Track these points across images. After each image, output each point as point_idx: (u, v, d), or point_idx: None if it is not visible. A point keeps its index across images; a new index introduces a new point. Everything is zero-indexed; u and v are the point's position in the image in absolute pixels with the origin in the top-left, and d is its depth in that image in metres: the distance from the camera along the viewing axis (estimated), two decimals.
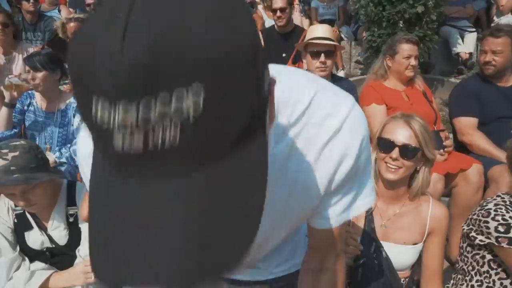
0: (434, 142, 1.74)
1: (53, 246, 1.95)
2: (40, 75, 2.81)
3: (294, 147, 0.72)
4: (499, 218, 1.60)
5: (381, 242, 1.71)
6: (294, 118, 0.71)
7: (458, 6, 5.20)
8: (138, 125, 0.36)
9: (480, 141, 2.64)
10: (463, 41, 4.96)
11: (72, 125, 2.99)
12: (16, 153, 1.79)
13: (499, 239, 1.60)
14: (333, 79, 2.86)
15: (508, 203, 1.65)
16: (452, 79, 4.64)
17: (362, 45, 4.59)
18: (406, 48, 2.75)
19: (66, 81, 3.55)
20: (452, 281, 1.90)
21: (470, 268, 1.78)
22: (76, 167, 2.92)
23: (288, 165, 0.73)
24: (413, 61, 2.74)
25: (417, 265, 1.90)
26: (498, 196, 1.69)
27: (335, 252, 0.91)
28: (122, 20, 0.36)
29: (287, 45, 3.86)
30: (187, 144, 0.38)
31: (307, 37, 2.73)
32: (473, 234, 1.71)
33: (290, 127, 0.71)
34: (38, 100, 2.98)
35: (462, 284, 1.81)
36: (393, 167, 1.68)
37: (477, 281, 1.74)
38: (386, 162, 1.70)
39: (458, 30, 5.03)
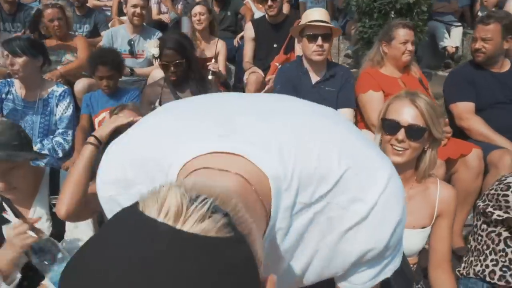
0: (441, 121, 1.65)
1: None
2: (20, 60, 2.66)
3: (316, 222, 0.70)
4: None
5: None
6: (316, 197, 0.68)
7: (443, 2, 5.26)
8: None
9: (478, 125, 2.61)
10: (449, 35, 5.00)
11: (55, 115, 2.83)
12: None
13: None
14: (329, 65, 2.80)
15: None
16: (440, 72, 4.66)
17: (351, 38, 4.55)
18: (402, 33, 2.71)
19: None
20: (463, 264, 1.83)
21: (485, 247, 1.72)
22: (59, 159, 2.75)
23: (310, 237, 0.71)
24: (410, 46, 2.70)
25: (424, 251, 1.84)
26: None
27: None
28: None
29: (278, 35, 3.79)
30: None
31: (303, 21, 2.65)
32: (490, 209, 1.66)
33: (312, 204, 0.68)
34: (18, 88, 2.82)
35: (476, 265, 1.74)
36: (399, 149, 1.59)
37: (492, 260, 1.69)
38: (392, 145, 1.61)
39: (444, 24, 5.09)
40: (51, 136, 2.79)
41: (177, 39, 2.74)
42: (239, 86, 4.11)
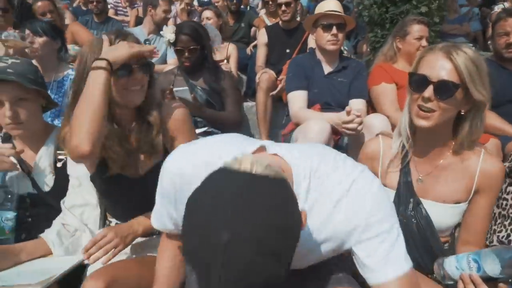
0: (486, 80, 1.38)
1: (36, 192, 1.78)
2: (40, 40, 2.74)
3: (319, 202, 1.09)
4: None
5: (420, 199, 1.50)
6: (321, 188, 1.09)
7: (455, 24, 5.37)
8: None
9: (493, 119, 2.56)
10: None
11: (68, 97, 2.85)
12: (18, 61, 1.72)
13: None
14: (341, 58, 2.81)
15: None
16: None
17: (363, 56, 4.60)
18: (417, 29, 2.73)
19: (77, 48, 3.46)
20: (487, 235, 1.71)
21: (510, 211, 1.62)
22: None
23: (316, 211, 1.09)
24: (424, 42, 2.72)
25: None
26: None
27: None
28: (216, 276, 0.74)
29: (291, 41, 3.85)
30: None
31: (317, 11, 2.69)
32: None
33: (317, 190, 1.09)
34: None
35: (500, 231, 1.65)
36: (426, 109, 1.38)
37: None
38: (419, 105, 1.40)
39: None
40: (63, 118, 2.79)
41: (193, 26, 2.79)
42: (249, 93, 4.14)
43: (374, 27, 3.95)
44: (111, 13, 5.40)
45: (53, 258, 1.62)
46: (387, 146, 1.55)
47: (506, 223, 1.64)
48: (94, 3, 4.69)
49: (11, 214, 1.68)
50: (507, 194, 1.65)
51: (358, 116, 2.11)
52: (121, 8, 5.97)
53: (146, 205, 1.60)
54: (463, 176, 1.47)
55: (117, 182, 1.60)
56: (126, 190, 1.63)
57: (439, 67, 1.35)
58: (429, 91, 1.35)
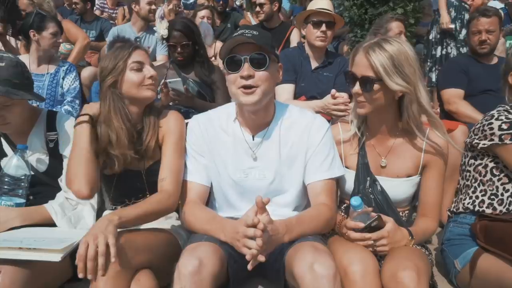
0: (408, 71, 1.56)
1: (32, 173, 1.82)
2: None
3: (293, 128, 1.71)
4: (503, 117, 1.69)
5: (376, 176, 1.70)
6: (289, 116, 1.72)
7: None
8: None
9: (465, 108, 2.79)
10: None
11: (61, 87, 2.95)
12: (2, 64, 1.71)
13: (502, 136, 1.66)
14: (328, 53, 2.98)
15: (508, 108, 1.75)
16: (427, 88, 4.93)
17: (345, 47, 4.83)
18: (396, 25, 2.99)
19: (68, 46, 3.53)
20: (453, 204, 1.91)
21: (473, 181, 1.81)
22: None
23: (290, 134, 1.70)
24: (403, 37, 2.95)
25: (417, 201, 1.92)
26: (499, 106, 1.77)
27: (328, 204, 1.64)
28: None
29: (273, 39, 4.02)
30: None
31: (309, 8, 2.87)
32: (476, 141, 1.75)
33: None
34: (26, 63, 2.92)
35: (465, 199, 1.82)
36: (360, 101, 1.62)
37: (481, 191, 1.77)
38: (356, 98, 1.65)
39: None
40: (59, 106, 2.89)
41: (185, 22, 2.93)
42: None
43: (354, 27, 4.19)
44: (97, 14, 5.47)
45: (70, 230, 1.71)
46: (346, 131, 1.77)
47: (470, 191, 1.82)
48: (73, 5, 4.75)
49: (20, 201, 1.74)
50: (469, 166, 1.84)
51: (343, 97, 2.28)
52: (107, 9, 6.04)
53: (145, 193, 1.78)
54: (412, 152, 1.69)
55: (120, 174, 1.75)
56: (129, 180, 1.78)
57: (361, 64, 1.58)
58: (356, 86, 1.60)
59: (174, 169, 1.68)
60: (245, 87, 1.54)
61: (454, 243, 1.80)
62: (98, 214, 1.83)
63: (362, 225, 1.52)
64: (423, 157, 1.69)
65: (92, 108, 1.73)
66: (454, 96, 2.89)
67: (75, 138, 1.67)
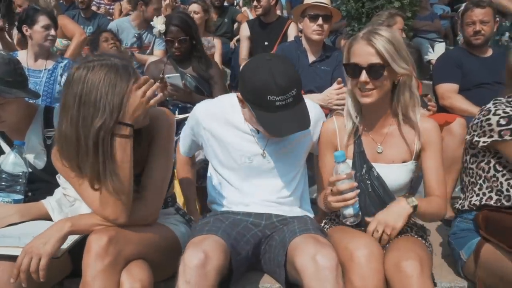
0: (405, 54, 1.62)
1: (30, 170, 1.80)
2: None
3: None
4: (500, 112, 1.66)
5: (372, 163, 1.72)
6: None
7: (427, 21, 5.67)
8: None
9: (460, 102, 2.79)
10: (433, 50, 5.36)
11: (59, 84, 2.94)
12: None
13: (502, 132, 1.64)
14: (325, 47, 2.98)
15: (504, 101, 1.73)
16: (425, 81, 4.93)
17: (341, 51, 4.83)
18: (400, 20, 3.02)
19: (64, 42, 3.51)
20: (460, 201, 1.89)
21: (478, 177, 1.79)
22: None
23: None
24: (402, 33, 2.97)
25: (415, 189, 1.93)
26: (495, 99, 1.76)
27: None
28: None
29: (271, 34, 4.03)
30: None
31: (306, 2, 2.86)
32: (476, 138, 1.73)
33: None
34: (23, 59, 2.92)
35: (471, 197, 1.80)
36: (366, 90, 1.62)
37: (487, 187, 1.75)
38: (359, 88, 1.64)
39: (428, 40, 5.50)
40: (57, 104, 2.88)
41: (182, 17, 2.93)
42: (233, 85, 4.30)
43: (352, 21, 4.17)
44: (94, 9, 5.45)
45: None
46: (341, 124, 1.80)
47: (476, 188, 1.79)
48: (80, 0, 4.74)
49: (18, 197, 1.74)
50: (472, 164, 1.82)
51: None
52: (103, 5, 6.03)
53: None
54: (407, 138, 1.72)
55: None
56: None
57: (365, 53, 1.59)
58: (363, 76, 1.59)
59: (158, 177, 1.54)
60: None
61: (460, 235, 1.81)
62: None
63: (344, 176, 1.53)
64: (417, 142, 1.72)
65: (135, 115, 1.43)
66: (448, 90, 2.88)
67: (116, 153, 1.38)
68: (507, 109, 1.66)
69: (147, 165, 1.54)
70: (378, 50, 1.56)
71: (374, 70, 1.58)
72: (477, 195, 1.79)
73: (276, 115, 1.56)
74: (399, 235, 1.64)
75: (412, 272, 1.39)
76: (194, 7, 4.17)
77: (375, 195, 1.70)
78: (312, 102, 1.90)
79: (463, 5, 5.64)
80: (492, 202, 1.73)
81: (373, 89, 1.61)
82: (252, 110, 1.61)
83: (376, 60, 1.57)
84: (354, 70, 1.63)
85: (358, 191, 1.54)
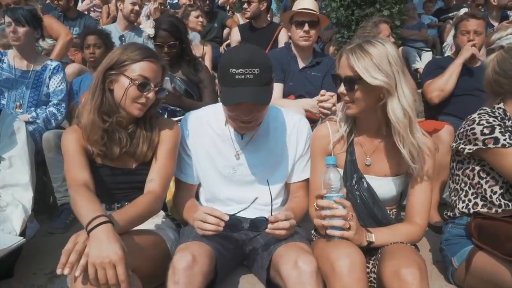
0: (388, 67, 1.54)
1: None
2: (22, 30, 2.75)
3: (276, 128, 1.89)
4: (484, 122, 1.72)
5: (363, 174, 1.71)
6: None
7: (415, 30, 5.75)
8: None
9: (439, 81, 2.88)
10: (420, 58, 5.44)
11: (47, 87, 2.88)
12: None
13: (486, 141, 1.69)
14: (315, 53, 2.99)
15: (489, 111, 1.79)
16: None
17: (331, 49, 4.87)
18: (385, 27, 3.03)
19: (50, 42, 3.45)
20: (449, 208, 1.92)
21: (463, 184, 1.83)
22: (47, 128, 2.77)
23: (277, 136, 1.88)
24: (391, 38, 2.99)
25: (404, 199, 1.92)
26: (480, 109, 1.81)
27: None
28: None
29: (262, 39, 4.04)
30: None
31: (293, 9, 2.87)
32: (461, 146, 1.78)
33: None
34: (11, 58, 2.87)
35: (459, 203, 1.84)
36: (346, 101, 1.64)
37: (472, 194, 1.80)
38: (342, 98, 1.66)
39: (415, 49, 5.56)
40: (44, 107, 2.83)
41: (171, 21, 2.90)
42: None
43: (341, 28, 4.21)
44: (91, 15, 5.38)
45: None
46: (334, 130, 1.78)
47: (462, 195, 1.84)
48: (55, 1, 4.65)
49: None
50: (458, 170, 1.87)
51: (332, 96, 2.28)
52: (97, 9, 5.97)
53: (131, 192, 1.75)
54: (399, 153, 1.63)
55: (107, 171, 1.74)
56: (115, 178, 1.76)
57: (343, 66, 1.60)
58: (341, 87, 1.62)
59: (164, 172, 1.72)
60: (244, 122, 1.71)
61: (452, 242, 1.83)
62: None
63: (335, 206, 1.51)
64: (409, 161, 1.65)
65: None
66: (431, 83, 2.96)
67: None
68: (490, 119, 1.73)
69: (154, 162, 1.74)
70: (350, 63, 1.55)
71: (348, 83, 1.58)
72: (463, 201, 1.83)
73: (235, 89, 1.59)
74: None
75: (412, 280, 1.39)
76: (196, 13, 4.25)
77: (363, 207, 1.69)
78: (293, 112, 1.97)
79: (455, 13, 5.82)
80: (478, 208, 1.77)
81: (350, 102, 1.61)
82: (220, 88, 1.68)
83: (349, 72, 1.57)
84: (336, 81, 1.66)
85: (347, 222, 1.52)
